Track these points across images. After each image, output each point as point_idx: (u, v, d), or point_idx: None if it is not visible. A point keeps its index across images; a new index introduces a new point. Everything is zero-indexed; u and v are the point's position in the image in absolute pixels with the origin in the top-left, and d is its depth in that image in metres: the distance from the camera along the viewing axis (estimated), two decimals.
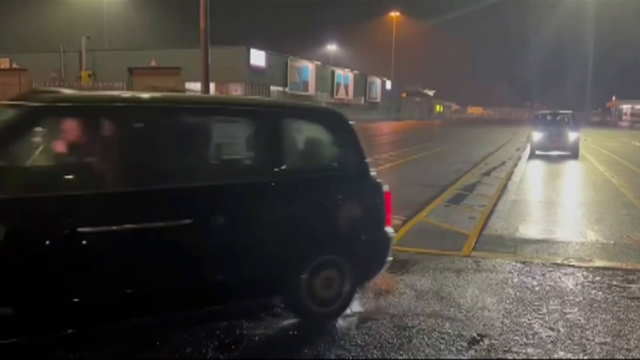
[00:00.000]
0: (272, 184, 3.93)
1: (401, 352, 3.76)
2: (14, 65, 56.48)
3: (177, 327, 3.93)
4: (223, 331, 3.94)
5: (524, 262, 5.92)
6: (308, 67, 66.38)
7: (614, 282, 5.30)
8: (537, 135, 19.15)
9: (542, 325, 4.24)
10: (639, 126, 61.97)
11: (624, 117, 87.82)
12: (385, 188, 4.51)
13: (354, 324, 4.20)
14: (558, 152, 18.77)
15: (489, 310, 4.52)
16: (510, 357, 3.71)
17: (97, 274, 3.29)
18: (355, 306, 4.51)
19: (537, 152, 19.10)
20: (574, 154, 18.47)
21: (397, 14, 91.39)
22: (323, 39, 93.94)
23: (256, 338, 3.90)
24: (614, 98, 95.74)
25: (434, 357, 3.70)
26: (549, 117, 21.14)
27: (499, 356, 3.73)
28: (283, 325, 4.14)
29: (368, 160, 4.54)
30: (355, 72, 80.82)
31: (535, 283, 5.25)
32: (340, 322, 4.22)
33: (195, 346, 3.71)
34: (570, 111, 21.95)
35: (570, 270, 5.69)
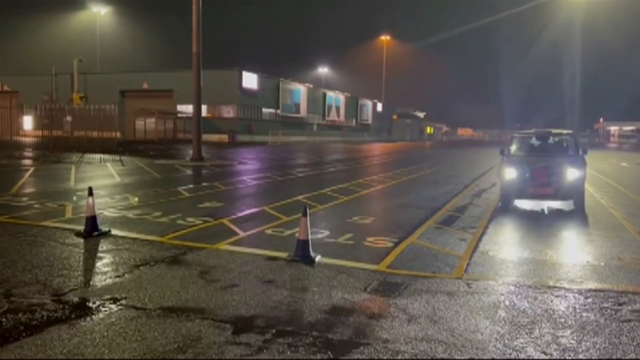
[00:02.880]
0: None
1: None
2: (5, 88, 56.53)
3: None
4: None
5: (515, 285, 5.91)
6: (300, 90, 66.99)
7: (605, 305, 5.31)
8: (512, 173, 11.35)
9: (534, 349, 4.23)
10: (627, 147, 62.76)
11: (611, 139, 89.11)
12: None
13: (348, 349, 4.16)
14: (548, 201, 11.91)
15: (482, 334, 4.51)
16: None
17: None
18: (348, 330, 4.48)
19: (514, 203, 12.06)
20: (577, 205, 11.32)
21: (388, 37, 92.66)
22: (315, 62, 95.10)
23: None
24: (601, 120, 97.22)
25: None
26: (534, 141, 13.07)
27: None
28: None
29: None
30: (346, 94, 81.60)
31: (527, 305, 5.24)
32: (335, 347, 4.18)
33: None
34: (569, 131, 13.53)
35: (561, 292, 5.70)
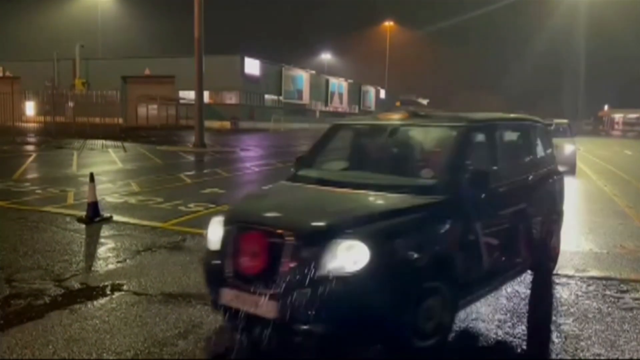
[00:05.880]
0: None
1: None
2: (7, 74, 56.40)
3: None
4: None
5: None
6: (302, 76, 66.62)
7: (608, 292, 5.29)
8: (215, 237, 3.87)
9: (536, 336, 4.21)
10: (632, 135, 62.46)
11: (615, 126, 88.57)
12: None
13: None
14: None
15: (483, 321, 4.49)
16: None
17: None
18: None
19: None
20: None
21: (391, 23, 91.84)
22: (317, 48, 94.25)
23: None
24: (606, 107, 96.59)
25: None
26: (379, 138, 5.36)
27: None
28: None
29: None
30: (349, 81, 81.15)
31: (529, 293, 5.23)
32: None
33: None
34: (533, 120, 5.98)
35: (563, 280, 5.68)
